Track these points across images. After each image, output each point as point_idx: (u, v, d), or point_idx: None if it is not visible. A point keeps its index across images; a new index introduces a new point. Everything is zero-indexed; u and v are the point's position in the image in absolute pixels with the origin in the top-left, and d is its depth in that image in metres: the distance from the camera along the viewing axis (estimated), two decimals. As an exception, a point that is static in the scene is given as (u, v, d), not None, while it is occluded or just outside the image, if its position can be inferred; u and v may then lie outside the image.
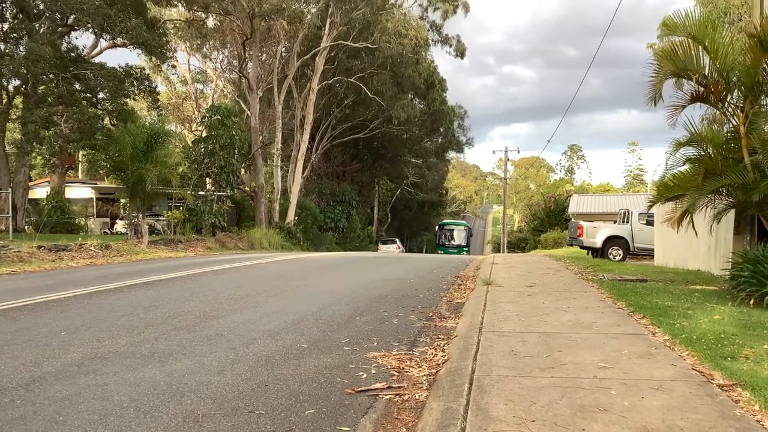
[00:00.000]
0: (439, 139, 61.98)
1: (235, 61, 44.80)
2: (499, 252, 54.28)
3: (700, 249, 16.38)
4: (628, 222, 25.74)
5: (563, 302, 9.38)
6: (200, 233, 29.81)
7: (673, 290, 11.03)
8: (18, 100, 29.30)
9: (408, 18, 46.51)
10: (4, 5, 28.21)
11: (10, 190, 26.11)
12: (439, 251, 60.32)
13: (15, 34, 27.56)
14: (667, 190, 12.09)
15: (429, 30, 48.38)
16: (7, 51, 26.16)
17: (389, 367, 6.07)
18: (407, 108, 47.25)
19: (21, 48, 26.72)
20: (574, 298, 9.82)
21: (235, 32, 38.99)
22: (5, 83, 27.38)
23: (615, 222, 28.26)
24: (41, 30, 27.51)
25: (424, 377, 5.79)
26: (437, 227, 67.65)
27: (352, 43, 41.36)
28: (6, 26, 28.09)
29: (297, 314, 8.80)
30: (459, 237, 63.92)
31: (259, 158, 38.64)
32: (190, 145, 35.98)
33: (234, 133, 32.77)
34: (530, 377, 5.23)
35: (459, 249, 61.10)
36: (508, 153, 66.78)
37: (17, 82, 27.71)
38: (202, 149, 32.46)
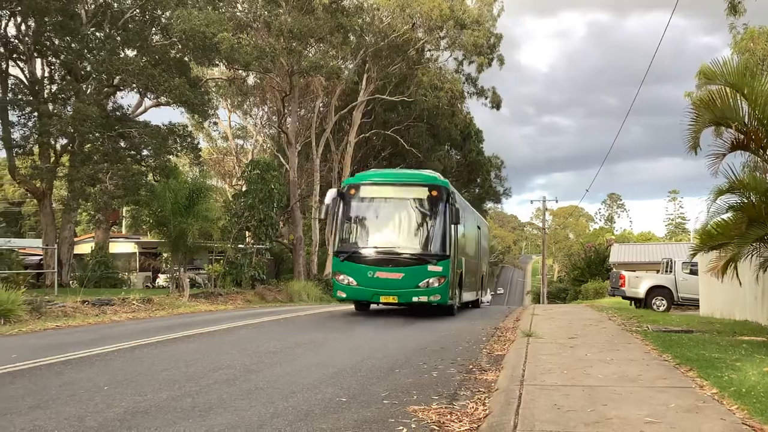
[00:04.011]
0: (476, 190, 61.99)
1: (274, 117, 45.74)
2: (539, 302, 53.50)
3: (747, 299, 15.97)
4: (671, 271, 25.32)
5: (606, 354, 9.19)
6: (240, 286, 30.03)
7: (720, 341, 10.74)
8: (65, 158, 30.22)
9: (443, 71, 47.15)
10: (53, 67, 29.39)
11: (56, 246, 26.74)
12: (340, 285, 17.24)
13: (63, 95, 28.61)
14: (710, 239, 11.88)
15: (464, 83, 48.93)
16: (55, 111, 27.11)
17: (429, 421, 5.99)
18: (444, 159, 47.57)
19: (68, 108, 27.70)
20: (617, 350, 9.62)
21: (275, 89, 39.95)
22: (53, 142, 28.30)
23: (658, 271, 27.80)
24: (88, 90, 28.49)
25: (465, 432, 5.70)
26: (334, 194, 17.81)
27: (388, 97, 42.02)
28: (54, 87, 29.21)
29: (336, 367, 8.77)
30: (411, 237, 17.24)
31: (297, 211, 39.07)
32: (231, 199, 36.62)
33: (273, 187, 33.25)
34: (574, 432, 5.12)
35: (411, 275, 16.55)
36: (546, 203, 66.42)
37: (64, 141, 28.64)
38: (242, 203, 32.97)
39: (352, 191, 17.61)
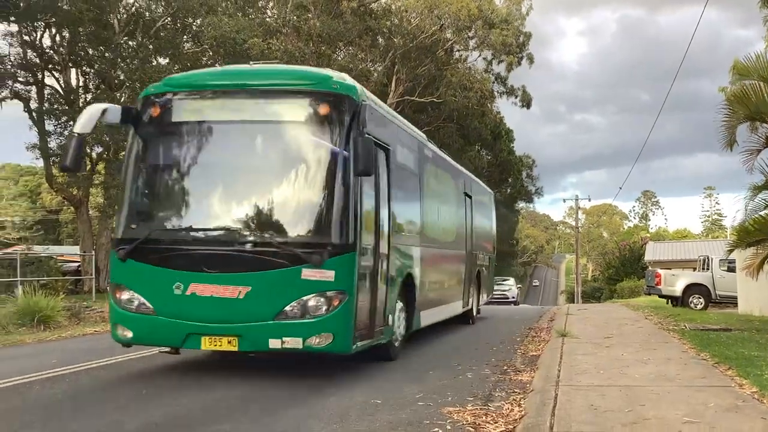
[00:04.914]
0: (508, 190, 61.65)
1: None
2: (573, 302, 53.02)
3: (787, 296, 15.68)
4: (708, 269, 24.88)
5: (643, 354, 9.09)
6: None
7: (759, 339, 10.57)
8: (101, 166, 30.73)
9: (472, 71, 46.97)
10: (87, 77, 29.95)
11: (93, 253, 27.16)
12: (120, 312, 8.09)
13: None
14: (747, 235, 11.73)
15: (494, 82, 48.66)
16: (91, 120, 27.59)
17: (465, 422, 5.98)
18: (474, 160, 47.34)
19: (103, 116, 28.17)
20: (654, 350, 9.50)
21: (305, 93, 40.14)
22: (89, 150, 28.80)
23: (695, 269, 27.38)
24: (122, 99, 28.94)
25: (501, 433, 5.68)
26: (99, 113, 8.03)
27: (417, 98, 41.99)
28: (89, 96, 29.75)
29: (368, 369, 8.79)
30: (271, 206, 7.81)
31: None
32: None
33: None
34: (611, 433, 5.08)
35: (265, 288, 7.47)
36: (579, 201, 65.70)
37: (100, 149, 29.13)
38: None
39: (155, 110, 8.34)
